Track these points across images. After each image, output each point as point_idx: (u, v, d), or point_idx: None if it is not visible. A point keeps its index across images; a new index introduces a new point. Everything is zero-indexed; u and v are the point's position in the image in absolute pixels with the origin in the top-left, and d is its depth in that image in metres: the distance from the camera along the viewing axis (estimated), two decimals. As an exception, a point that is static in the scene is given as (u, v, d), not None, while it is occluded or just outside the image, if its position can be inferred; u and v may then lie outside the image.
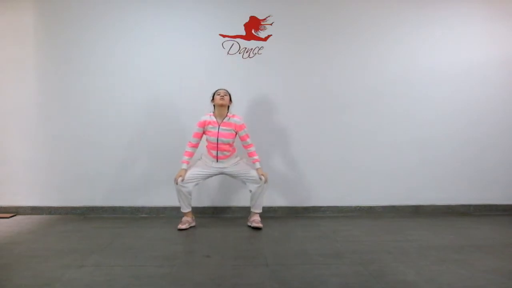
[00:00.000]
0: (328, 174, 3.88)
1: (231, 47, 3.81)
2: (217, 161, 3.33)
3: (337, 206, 3.89)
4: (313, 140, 3.87)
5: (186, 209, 3.36)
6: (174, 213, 3.79)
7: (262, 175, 3.29)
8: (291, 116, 3.85)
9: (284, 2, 3.81)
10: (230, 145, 3.32)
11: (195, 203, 3.55)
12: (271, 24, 3.82)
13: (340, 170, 3.89)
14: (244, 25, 3.80)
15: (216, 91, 3.35)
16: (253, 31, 3.81)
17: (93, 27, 3.79)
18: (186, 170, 3.27)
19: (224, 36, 3.80)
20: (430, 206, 3.94)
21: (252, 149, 3.37)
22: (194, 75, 3.79)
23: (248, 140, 3.35)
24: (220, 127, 3.28)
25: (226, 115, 3.31)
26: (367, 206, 3.90)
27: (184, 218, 3.37)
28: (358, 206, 3.90)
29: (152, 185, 3.85)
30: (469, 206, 3.96)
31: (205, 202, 3.87)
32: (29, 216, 3.79)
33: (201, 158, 3.42)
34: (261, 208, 3.44)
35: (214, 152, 3.31)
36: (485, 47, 3.92)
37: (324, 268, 2.38)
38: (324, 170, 3.88)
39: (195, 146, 3.35)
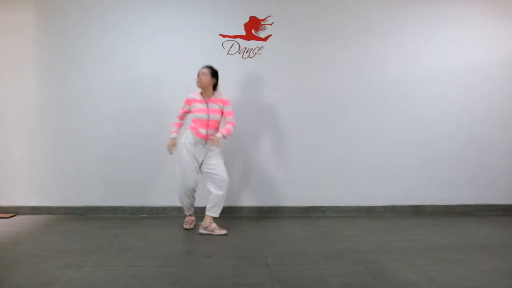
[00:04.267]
0: (328, 174, 3.88)
1: (231, 47, 3.81)
2: (206, 142, 3.19)
3: (337, 206, 3.88)
4: (313, 140, 3.87)
5: (187, 212, 3.43)
6: (174, 213, 3.79)
7: (213, 138, 3.09)
8: (291, 116, 3.85)
9: (284, 2, 3.81)
10: (219, 122, 3.27)
11: (195, 203, 3.54)
12: (271, 24, 3.81)
13: (340, 170, 3.88)
14: (244, 25, 3.80)
15: (200, 70, 3.25)
16: (253, 31, 3.80)
17: (93, 27, 3.79)
18: (176, 139, 3.32)
19: (224, 36, 3.80)
20: (430, 206, 3.93)
21: (229, 126, 3.20)
22: (194, 75, 3.77)
23: (231, 117, 3.23)
24: (209, 103, 3.21)
25: (213, 93, 3.25)
26: (367, 206, 3.90)
27: (188, 218, 3.43)
28: (358, 206, 3.90)
29: (152, 185, 3.85)
30: (470, 206, 3.95)
31: (204, 202, 3.86)
32: (29, 216, 3.79)
33: (182, 151, 3.22)
34: (219, 213, 3.24)
35: (203, 131, 3.18)
36: (485, 47, 3.91)
37: (324, 268, 2.38)
38: (324, 170, 3.87)
39: (183, 118, 3.38)
